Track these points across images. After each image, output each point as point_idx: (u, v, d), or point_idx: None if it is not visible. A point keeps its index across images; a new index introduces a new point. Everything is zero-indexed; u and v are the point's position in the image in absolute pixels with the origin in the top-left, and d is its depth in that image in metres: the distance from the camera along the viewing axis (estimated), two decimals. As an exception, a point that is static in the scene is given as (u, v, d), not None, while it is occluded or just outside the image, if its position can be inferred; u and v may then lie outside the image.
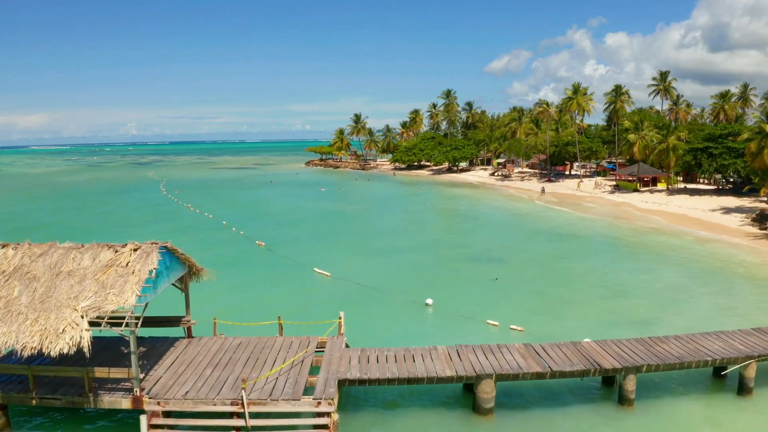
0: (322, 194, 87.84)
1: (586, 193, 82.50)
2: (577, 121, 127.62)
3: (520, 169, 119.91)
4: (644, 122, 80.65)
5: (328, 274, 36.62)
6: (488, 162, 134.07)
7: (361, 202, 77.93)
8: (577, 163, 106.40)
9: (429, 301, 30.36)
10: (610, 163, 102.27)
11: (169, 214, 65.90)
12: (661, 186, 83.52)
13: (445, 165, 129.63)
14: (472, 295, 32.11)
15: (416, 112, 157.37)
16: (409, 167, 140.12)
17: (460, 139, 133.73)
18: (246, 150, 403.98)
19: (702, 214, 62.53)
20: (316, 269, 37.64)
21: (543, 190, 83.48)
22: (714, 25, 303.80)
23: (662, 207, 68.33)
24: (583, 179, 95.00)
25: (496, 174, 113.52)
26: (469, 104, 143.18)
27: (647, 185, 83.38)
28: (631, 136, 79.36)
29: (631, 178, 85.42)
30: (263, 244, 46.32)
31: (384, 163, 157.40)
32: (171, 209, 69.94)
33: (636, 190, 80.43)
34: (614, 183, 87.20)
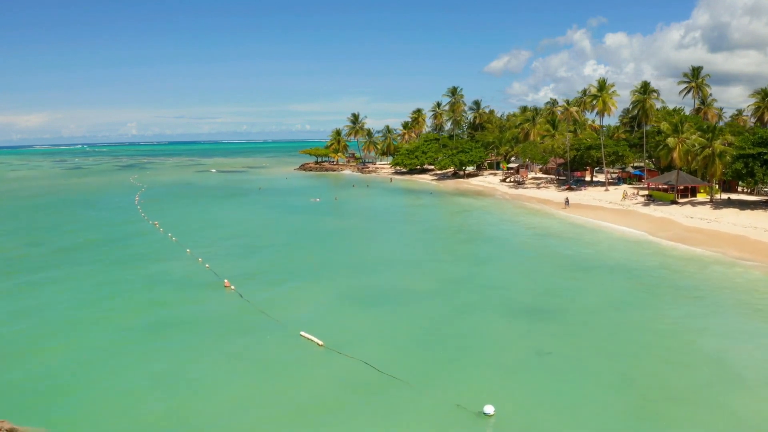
0: (315, 206, 77.14)
1: (617, 204, 71.99)
2: (590, 122, 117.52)
3: (533, 175, 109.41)
4: (684, 124, 70.13)
5: (320, 342, 25.75)
6: (497, 166, 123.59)
7: (360, 217, 67.39)
8: (597, 169, 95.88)
9: (489, 409, 19.31)
10: (637, 169, 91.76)
11: (128, 235, 55.25)
12: (701, 197, 73.07)
13: (451, 169, 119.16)
14: (532, 386, 21.61)
15: (419, 111, 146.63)
16: (411, 171, 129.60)
17: (467, 141, 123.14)
18: (243, 151, 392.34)
19: (765, 235, 52.13)
20: (302, 333, 26.93)
21: (567, 202, 72.98)
22: (714, 25, 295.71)
23: (712, 225, 57.76)
24: (610, 188, 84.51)
25: (507, 180, 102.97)
26: (477, 103, 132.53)
27: (684, 195, 72.94)
28: (670, 140, 68.78)
29: (664, 187, 75.03)
30: (232, 286, 35.65)
31: (384, 166, 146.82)
32: (133, 228, 59.29)
33: (674, 202, 69.93)
34: (647, 193, 76.69)
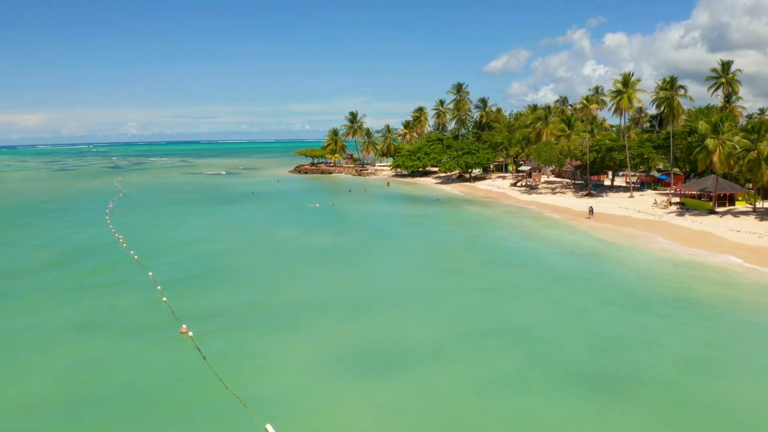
0: (306, 218, 68.60)
1: (648, 214, 63.79)
2: (599, 122, 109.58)
3: (546, 178, 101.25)
4: (725, 123, 61.98)
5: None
6: (505, 168, 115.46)
7: (356, 231, 59.00)
8: (620, 172, 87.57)
9: None
10: (663, 173, 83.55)
11: (84, 252, 46.91)
12: (740, 205, 64.95)
13: (456, 172, 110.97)
14: None
15: (421, 110, 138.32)
16: (413, 173, 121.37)
17: (473, 141, 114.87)
18: (241, 151, 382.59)
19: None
20: (269, 428, 18.53)
21: (591, 211, 64.73)
22: (713, 25, 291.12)
23: (764, 240, 49.59)
24: (635, 194, 76.31)
25: (519, 184, 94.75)
26: (483, 101, 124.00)
27: (722, 204, 64.82)
28: (710, 142, 60.65)
29: (693, 192, 67.11)
30: (190, 333, 27.31)
31: (384, 168, 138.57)
32: (94, 243, 50.93)
33: (712, 212, 61.79)
34: (678, 200, 68.55)
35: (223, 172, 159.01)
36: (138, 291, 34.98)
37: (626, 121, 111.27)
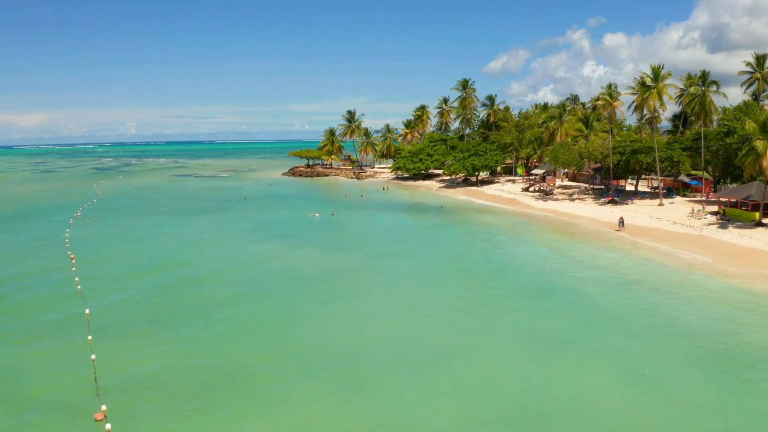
0: (294, 233, 60.31)
1: (685, 226, 55.69)
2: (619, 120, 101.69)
3: (560, 182, 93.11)
4: (775, 122, 53.92)
5: None
6: (513, 171, 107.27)
7: (349, 249, 50.55)
8: (632, 177, 79.40)
9: None
10: (693, 178, 75.45)
11: (21, 278, 38.74)
12: (789, 215, 56.87)
13: (461, 175, 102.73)
14: None
15: (423, 108, 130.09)
16: (414, 176, 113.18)
17: (481, 142, 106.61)
18: (239, 151, 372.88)
19: None
20: None
21: (621, 222, 56.59)
22: (713, 26, 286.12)
23: (835, 260, 41.64)
24: (664, 201, 68.17)
25: (531, 189, 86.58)
26: (491, 98, 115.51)
27: (766, 214, 56.78)
28: (759, 144, 52.59)
29: (727, 199, 59.24)
30: (108, 425, 19.01)
31: (384, 170, 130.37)
32: (38, 265, 42.66)
33: (759, 224, 53.85)
34: (717, 209, 60.49)
35: (217, 174, 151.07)
36: (63, 340, 26.85)
37: (639, 120, 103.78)
